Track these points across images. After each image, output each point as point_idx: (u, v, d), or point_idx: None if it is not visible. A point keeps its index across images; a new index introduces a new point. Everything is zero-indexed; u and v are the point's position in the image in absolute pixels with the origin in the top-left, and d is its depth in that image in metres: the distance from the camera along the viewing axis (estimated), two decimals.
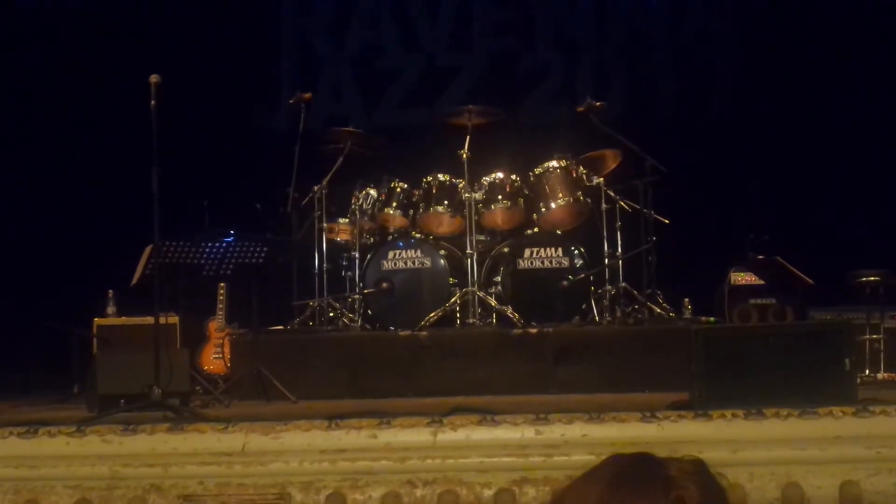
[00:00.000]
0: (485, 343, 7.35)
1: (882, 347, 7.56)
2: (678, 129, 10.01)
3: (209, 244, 7.10)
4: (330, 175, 8.07)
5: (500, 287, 7.90)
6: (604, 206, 7.92)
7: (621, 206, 7.93)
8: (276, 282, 7.77)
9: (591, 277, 7.84)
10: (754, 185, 9.36)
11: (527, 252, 7.96)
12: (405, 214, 8.19)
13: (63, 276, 9.19)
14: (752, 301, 8.34)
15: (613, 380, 6.82)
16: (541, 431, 4.64)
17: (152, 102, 5.89)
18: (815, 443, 4.56)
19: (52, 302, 8.79)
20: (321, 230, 8.06)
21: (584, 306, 7.80)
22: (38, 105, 9.80)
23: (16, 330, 8.64)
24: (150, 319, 6.36)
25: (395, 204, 8.20)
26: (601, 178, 8.03)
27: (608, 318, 7.63)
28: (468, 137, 8.03)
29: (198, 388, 6.97)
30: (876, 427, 4.58)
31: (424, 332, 7.43)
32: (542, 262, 7.94)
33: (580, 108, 8.16)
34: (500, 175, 8.07)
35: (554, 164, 8.05)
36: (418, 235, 8.15)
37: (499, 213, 8.05)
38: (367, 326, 7.87)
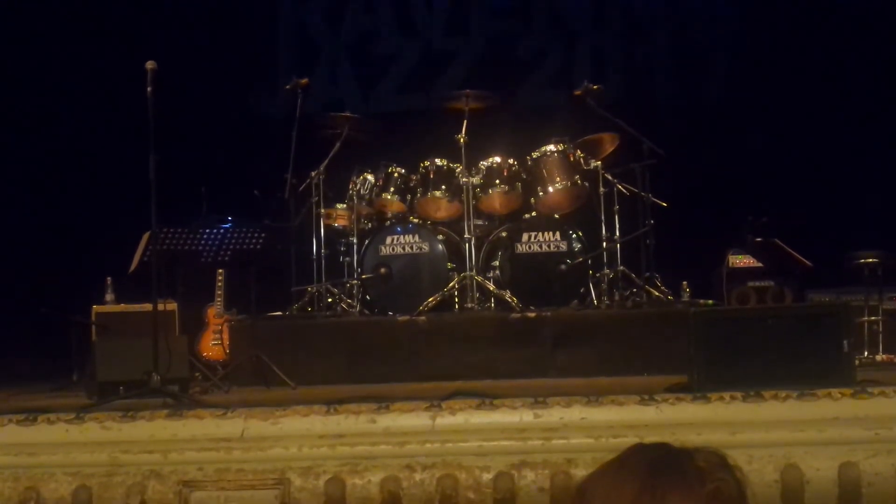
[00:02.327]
0: (483, 327, 7.36)
1: (880, 329, 7.57)
2: (676, 112, 10.01)
3: (207, 230, 7.10)
4: (327, 160, 8.06)
5: (498, 271, 7.90)
6: (601, 189, 7.92)
7: (619, 190, 7.93)
8: (274, 268, 7.78)
9: (590, 261, 7.84)
10: (752, 167, 9.35)
11: (525, 236, 7.96)
12: (403, 199, 8.19)
13: (61, 263, 9.19)
14: (751, 283, 8.34)
15: (612, 363, 6.83)
16: (539, 415, 4.65)
17: (149, 89, 5.87)
18: (814, 424, 4.56)
19: (51, 290, 8.78)
20: (319, 216, 8.06)
21: (582, 290, 7.80)
22: (34, 92, 9.78)
23: (15, 318, 8.65)
24: (148, 306, 6.36)
25: (392, 189, 8.20)
26: (599, 162, 8.03)
27: (606, 302, 7.63)
28: (465, 122, 8.03)
29: (197, 374, 6.99)
30: (874, 408, 4.59)
31: (423, 317, 7.43)
32: (541, 247, 7.94)
33: (577, 92, 8.14)
34: (498, 159, 8.07)
35: (551, 147, 8.05)
36: (416, 220, 8.15)
37: (496, 198, 8.05)
38: (366, 312, 7.87)
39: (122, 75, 7.56)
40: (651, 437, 2.06)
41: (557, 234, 7.94)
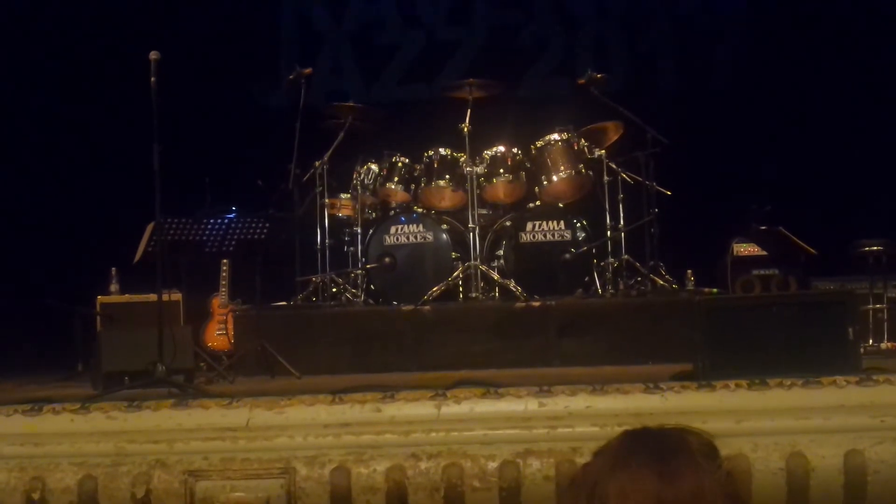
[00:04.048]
0: (488, 317, 7.36)
1: (885, 317, 7.57)
2: (680, 100, 9.99)
3: (211, 221, 7.09)
4: (331, 150, 8.07)
5: (502, 261, 7.91)
6: (606, 178, 7.92)
7: (623, 179, 7.93)
8: (278, 258, 7.78)
9: (594, 250, 7.85)
10: (756, 155, 9.34)
11: (529, 225, 7.96)
12: (407, 189, 8.20)
13: (66, 254, 9.20)
14: (755, 272, 8.34)
15: (617, 352, 6.83)
16: (544, 404, 4.64)
17: (152, 79, 5.86)
18: (819, 412, 4.55)
19: (56, 280, 8.80)
20: (323, 206, 8.07)
21: (586, 279, 7.80)
22: (38, 83, 9.77)
23: (20, 309, 8.65)
24: (153, 297, 6.35)
25: (396, 179, 8.20)
26: (603, 151, 8.03)
27: (611, 291, 7.63)
28: (469, 111, 8.02)
29: (202, 364, 6.98)
30: (880, 396, 4.58)
31: (427, 307, 7.44)
32: (545, 236, 7.94)
33: (581, 81, 8.14)
34: (502, 148, 8.07)
35: (555, 136, 8.05)
36: (420, 210, 8.15)
37: (500, 187, 8.05)
38: (370, 301, 7.89)
39: (125, 65, 7.55)
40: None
41: (562, 223, 7.94)
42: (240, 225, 7.13)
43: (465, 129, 7.94)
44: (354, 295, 7.85)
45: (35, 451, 4.71)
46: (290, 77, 8.15)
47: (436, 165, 8.11)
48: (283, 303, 7.82)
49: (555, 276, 7.86)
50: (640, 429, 1.95)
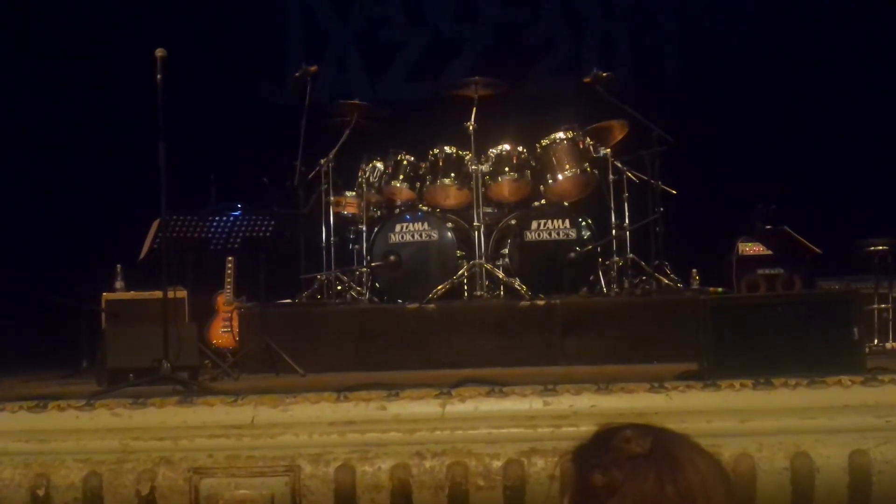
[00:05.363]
0: (492, 315, 7.35)
1: (890, 316, 7.56)
2: (685, 99, 10.00)
3: (216, 218, 7.09)
4: (336, 148, 8.06)
5: (507, 259, 7.91)
6: (611, 177, 7.91)
7: (628, 177, 7.92)
8: (283, 255, 7.77)
9: (599, 249, 7.84)
10: (762, 154, 9.33)
11: (534, 224, 7.96)
12: (412, 187, 8.20)
13: (71, 251, 9.21)
14: (760, 271, 8.33)
15: (621, 351, 6.82)
16: (549, 402, 4.64)
17: (158, 76, 5.87)
18: (824, 412, 4.55)
19: (61, 277, 8.80)
20: (328, 203, 8.06)
21: (591, 278, 7.80)
22: (44, 80, 9.78)
23: (25, 305, 8.66)
24: (158, 294, 6.37)
25: (401, 177, 8.20)
26: (608, 149, 8.02)
27: (616, 290, 7.63)
28: (474, 109, 8.02)
29: (206, 361, 6.98)
30: (885, 396, 4.57)
31: (432, 305, 7.43)
32: (550, 234, 7.94)
33: (587, 79, 8.13)
34: (507, 147, 8.07)
35: (560, 135, 8.04)
36: (425, 208, 8.15)
37: (506, 185, 8.05)
38: (375, 299, 7.88)
39: (131, 63, 7.56)
40: (661, 425, 2.04)
41: (567, 221, 7.94)
42: (245, 222, 7.12)
43: (471, 128, 7.94)
44: (359, 293, 7.85)
45: (40, 448, 4.72)
46: (296, 75, 8.15)
47: (441, 164, 8.11)
48: (288, 300, 7.82)
49: (560, 274, 7.85)
50: (658, 429, 1.95)
